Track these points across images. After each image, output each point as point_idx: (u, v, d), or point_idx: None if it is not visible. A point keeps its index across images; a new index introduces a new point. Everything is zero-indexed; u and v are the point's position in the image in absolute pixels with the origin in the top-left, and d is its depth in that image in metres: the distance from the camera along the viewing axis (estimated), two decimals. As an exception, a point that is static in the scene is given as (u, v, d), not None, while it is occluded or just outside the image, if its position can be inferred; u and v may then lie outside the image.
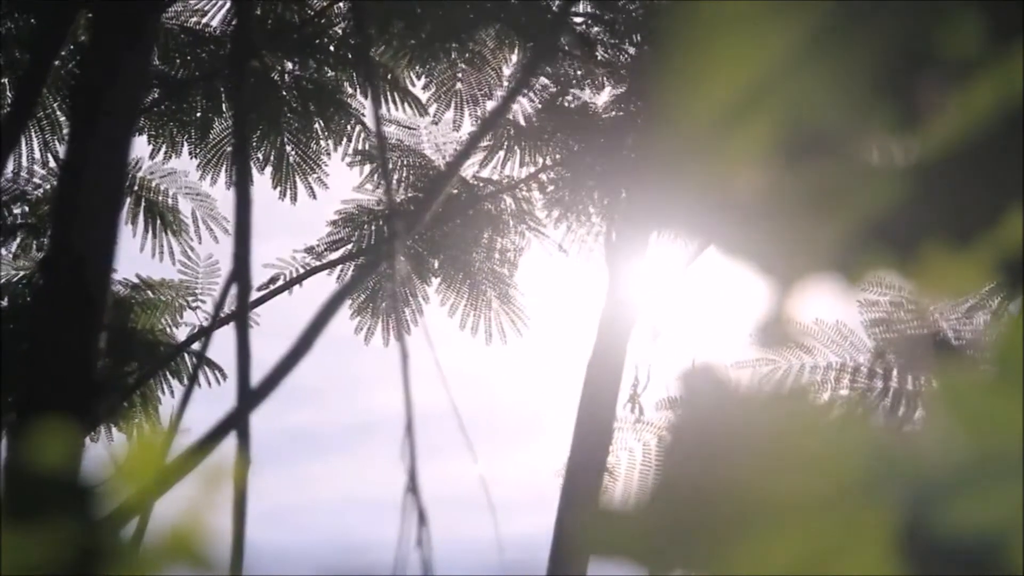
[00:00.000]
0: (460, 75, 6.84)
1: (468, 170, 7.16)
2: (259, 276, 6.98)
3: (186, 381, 6.47)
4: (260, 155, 6.89)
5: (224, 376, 6.68)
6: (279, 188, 6.94)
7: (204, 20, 6.74)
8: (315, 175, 6.94)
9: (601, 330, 5.07)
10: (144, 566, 0.75)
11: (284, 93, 6.83)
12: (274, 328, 6.80)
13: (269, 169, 6.90)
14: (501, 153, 7.02)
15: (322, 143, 6.88)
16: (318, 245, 7.05)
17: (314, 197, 6.95)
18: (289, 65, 6.83)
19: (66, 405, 2.41)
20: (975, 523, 0.64)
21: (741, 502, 0.66)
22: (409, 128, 7.16)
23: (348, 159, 6.97)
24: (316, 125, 6.89)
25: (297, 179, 6.95)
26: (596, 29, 6.71)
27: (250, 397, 2.24)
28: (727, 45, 0.68)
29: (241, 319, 2.12)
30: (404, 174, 7.17)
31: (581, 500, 4.81)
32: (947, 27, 0.69)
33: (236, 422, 2.24)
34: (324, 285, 6.97)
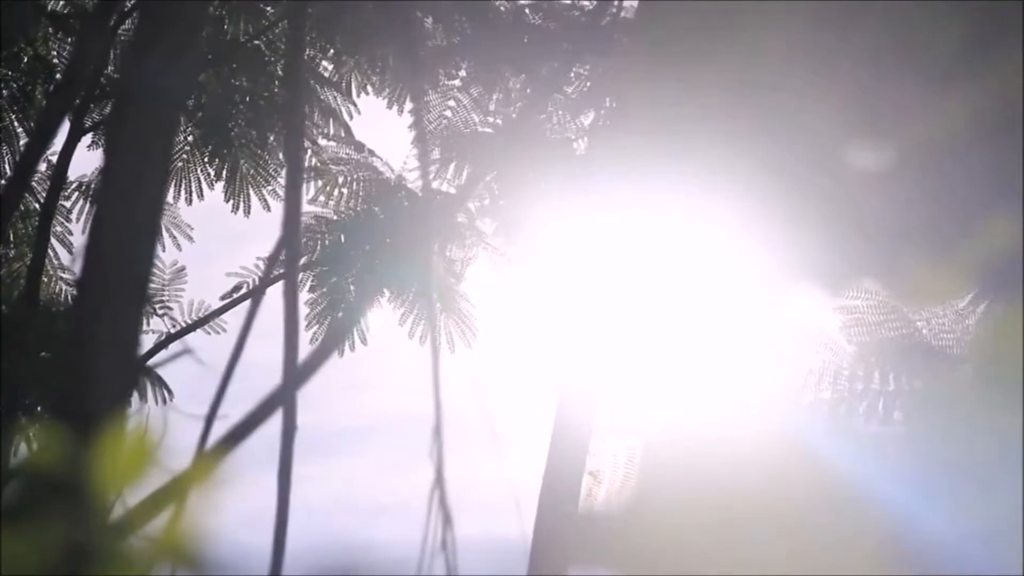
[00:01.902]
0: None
1: (416, 183, 7.24)
2: (224, 285, 7.04)
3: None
4: (211, 169, 6.95)
5: (171, 394, 6.71)
6: (232, 200, 7.00)
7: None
8: (269, 187, 7.01)
9: (575, 343, 5.10)
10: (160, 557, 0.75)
11: (238, 107, 6.88)
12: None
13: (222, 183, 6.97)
14: (452, 165, 7.11)
15: (277, 156, 6.95)
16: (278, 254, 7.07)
17: (268, 209, 7.02)
18: (244, 80, 6.89)
19: (110, 392, 2.48)
20: (956, 526, 0.68)
21: (713, 513, 0.68)
22: (358, 143, 7.24)
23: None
24: (270, 139, 6.96)
25: (251, 191, 7.01)
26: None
27: (296, 374, 2.31)
28: (697, 53, 0.72)
29: (290, 295, 2.22)
30: (355, 187, 7.24)
31: (558, 507, 4.86)
32: (927, 34, 0.72)
33: (282, 399, 2.31)
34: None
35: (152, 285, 6.94)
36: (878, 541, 0.66)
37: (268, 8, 6.95)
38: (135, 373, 2.51)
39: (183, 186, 6.99)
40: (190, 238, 7.03)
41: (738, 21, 0.73)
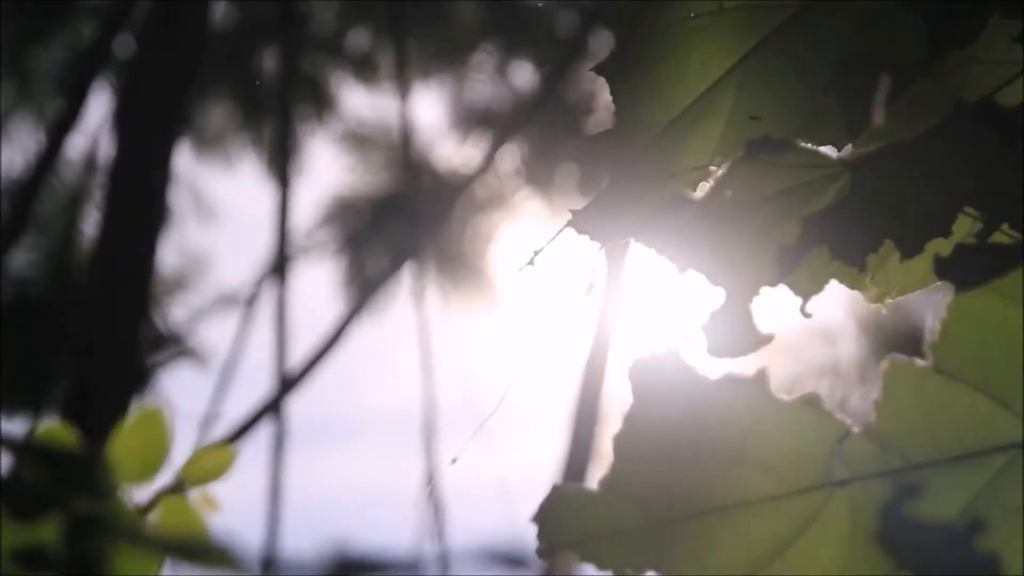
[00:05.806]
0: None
1: (441, 160, 7.27)
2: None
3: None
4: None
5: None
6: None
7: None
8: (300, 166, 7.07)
9: (593, 333, 5.00)
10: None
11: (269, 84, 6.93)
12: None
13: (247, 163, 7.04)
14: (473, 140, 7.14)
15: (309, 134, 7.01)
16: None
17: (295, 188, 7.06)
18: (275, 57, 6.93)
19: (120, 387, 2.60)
20: (934, 509, 0.66)
21: (694, 494, 0.65)
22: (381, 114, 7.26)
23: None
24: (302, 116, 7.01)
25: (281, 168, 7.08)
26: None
27: (287, 383, 2.43)
28: (680, 53, 0.73)
29: (281, 308, 2.33)
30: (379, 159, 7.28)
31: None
32: (894, 34, 0.71)
33: (273, 407, 2.43)
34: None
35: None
36: (859, 528, 0.66)
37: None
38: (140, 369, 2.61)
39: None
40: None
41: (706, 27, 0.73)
